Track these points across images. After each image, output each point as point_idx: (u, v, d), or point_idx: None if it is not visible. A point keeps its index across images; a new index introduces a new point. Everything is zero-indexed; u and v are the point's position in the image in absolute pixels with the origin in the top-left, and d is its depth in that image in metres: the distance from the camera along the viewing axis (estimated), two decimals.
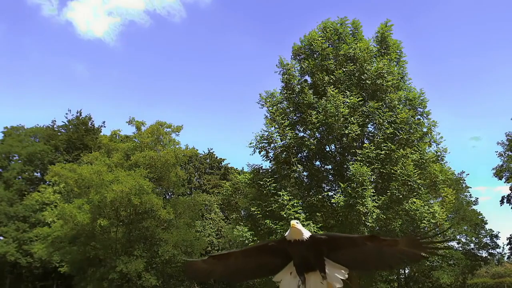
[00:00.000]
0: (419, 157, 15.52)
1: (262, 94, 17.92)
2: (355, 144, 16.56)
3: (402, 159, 15.19)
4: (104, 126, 40.13)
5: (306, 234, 3.47)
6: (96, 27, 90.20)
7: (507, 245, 36.00)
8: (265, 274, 3.95)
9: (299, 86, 17.52)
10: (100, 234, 26.09)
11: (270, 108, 17.52)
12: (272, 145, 17.02)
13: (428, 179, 15.91)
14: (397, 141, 16.07)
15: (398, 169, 15.01)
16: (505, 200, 34.59)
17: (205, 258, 3.73)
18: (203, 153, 43.14)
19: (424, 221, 14.70)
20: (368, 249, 3.28)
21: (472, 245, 34.48)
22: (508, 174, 32.62)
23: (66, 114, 39.71)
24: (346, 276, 3.55)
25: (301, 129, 17.75)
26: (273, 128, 17.02)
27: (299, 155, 17.59)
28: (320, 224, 15.39)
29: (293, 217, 14.07)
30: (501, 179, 33.21)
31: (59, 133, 38.71)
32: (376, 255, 3.29)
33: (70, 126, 38.79)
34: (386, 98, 16.45)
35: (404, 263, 3.55)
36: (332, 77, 16.78)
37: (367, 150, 15.33)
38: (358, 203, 14.33)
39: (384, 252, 3.26)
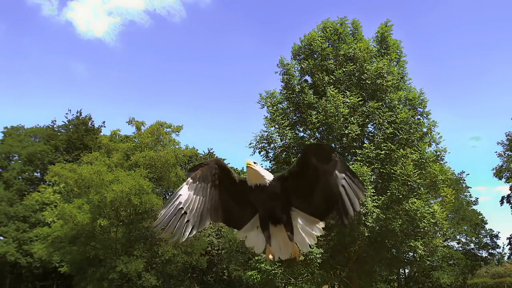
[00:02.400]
0: (419, 157, 15.51)
1: (262, 94, 17.93)
2: (355, 144, 16.56)
3: (402, 159, 15.18)
4: (104, 126, 40.21)
5: (268, 177, 2.87)
6: (96, 27, 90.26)
7: (507, 245, 36.04)
8: (233, 223, 3.16)
9: (299, 86, 17.52)
10: (100, 234, 26.10)
11: (270, 108, 17.52)
12: (272, 145, 17.02)
13: (428, 179, 15.90)
14: (397, 141, 16.06)
15: (398, 169, 15.01)
16: (505, 200, 34.60)
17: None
18: (203, 153, 43.12)
19: (424, 221, 14.71)
20: (320, 176, 2.77)
21: (472, 245, 34.54)
22: (508, 174, 32.63)
23: (66, 114, 39.80)
24: (321, 231, 3.09)
25: (301, 129, 17.74)
26: (273, 128, 17.02)
27: (299, 155, 17.57)
28: None
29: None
30: (501, 179, 33.27)
31: (59, 133, 38.74)
32: (326, 185, 2.78)
33: (70, 126, 38.81)
34: (386, 98, 16.44)
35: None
36: (332, 77, 16.77)
37: (367, 150, 15.32)
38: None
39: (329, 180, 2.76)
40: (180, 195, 2.87)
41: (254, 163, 2.81)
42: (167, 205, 2.84)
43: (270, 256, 2.98)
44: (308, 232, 3.07)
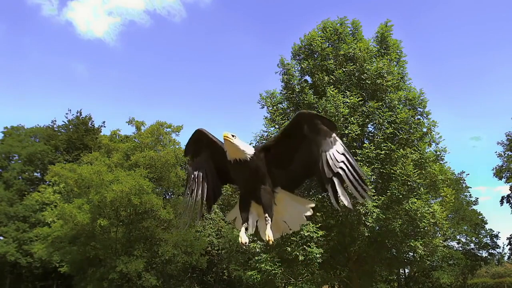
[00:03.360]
0: (419, 157, 15.51)
1: (262, 94, 17.93)
2: (355, 144, 16.56)
3: (402, 159, 15.18)
4: (104, 126, 40.12)
5: (249, 151, 2.57)
6: (96, 27, 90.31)
7: (507, 245, 36.03)
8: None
9: (299, 86, 17.52)
10: (100, 234, 26.08)
11: (270, 108, 17.52)
12: None
13: (428, 179, 15.91)
14: (397, 141, 16.06)
15: (398, 169, 15.01)
16: (505, 200, 34.58)
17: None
18: None
19: (424, 221, 14.72)
20: (306, 143, 2.61)
21: (472, 245, 34.51)
22: (508, 174, 32.60)
23: (66, 114, 39.70)
24: (311, 211, 2.91)
25: None
26: (273, 128, 17.03)
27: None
28: (320, 224, 15.39)
29: None
30: (501, 179, 33.22)
31: (59, 133, 38.68)
32: (314, 152, 2.57)
33: (70, 126, 38.76)
34: (386, 98, 16.45)
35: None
36: (332, 77, 16.78)
37: (367, 150, 15.32)
38: (358, 203, 14.33)
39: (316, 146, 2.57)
40: (189, 179, 2.91)
41: (233, 135, 2.55)
42: (184, 199, 2.90)
43: (243, 240, 2.69)
44: (297, 212, 2.90)
